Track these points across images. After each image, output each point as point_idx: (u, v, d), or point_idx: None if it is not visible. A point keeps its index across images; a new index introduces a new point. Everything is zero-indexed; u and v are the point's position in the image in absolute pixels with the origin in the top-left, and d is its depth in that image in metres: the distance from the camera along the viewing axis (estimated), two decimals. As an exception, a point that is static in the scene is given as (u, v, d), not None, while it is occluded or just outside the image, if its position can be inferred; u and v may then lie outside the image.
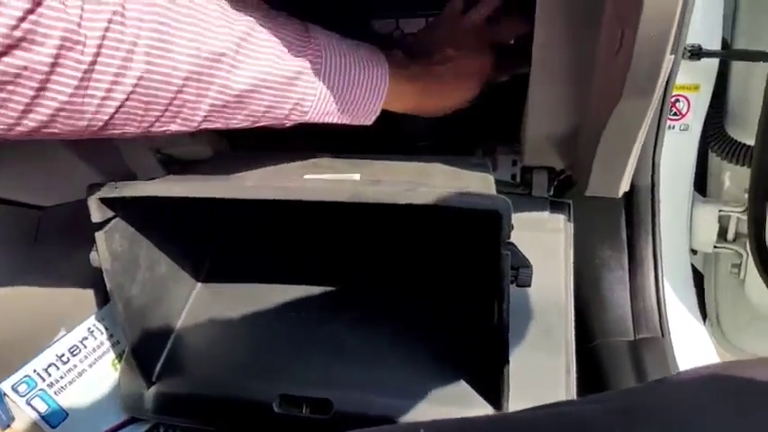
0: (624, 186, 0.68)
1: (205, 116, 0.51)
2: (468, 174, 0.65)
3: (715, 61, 0.94)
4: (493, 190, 0.60)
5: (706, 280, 1.15)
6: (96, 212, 0.59)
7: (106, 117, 0.46)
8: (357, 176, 0.64)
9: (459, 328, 0.70)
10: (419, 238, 0.79)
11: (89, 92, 0.43)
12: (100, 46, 0.42)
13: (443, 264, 0.77)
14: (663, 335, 0.89)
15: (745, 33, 0.90)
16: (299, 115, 0.57)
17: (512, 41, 0.77)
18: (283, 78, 0.53)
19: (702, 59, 0.93)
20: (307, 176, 0.65)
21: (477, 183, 0.62)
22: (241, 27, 0.49)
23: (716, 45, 0.95)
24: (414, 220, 0.78)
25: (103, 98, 0.44)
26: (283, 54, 0.52)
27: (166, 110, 0.48)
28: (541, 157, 0.73)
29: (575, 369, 0.68)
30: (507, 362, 0.59)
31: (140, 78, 0.45)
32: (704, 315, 1.13)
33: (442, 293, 0.74)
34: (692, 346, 0.94)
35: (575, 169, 0.74)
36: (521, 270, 0.53)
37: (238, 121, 0.54)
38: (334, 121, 0.61)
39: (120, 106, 0.46)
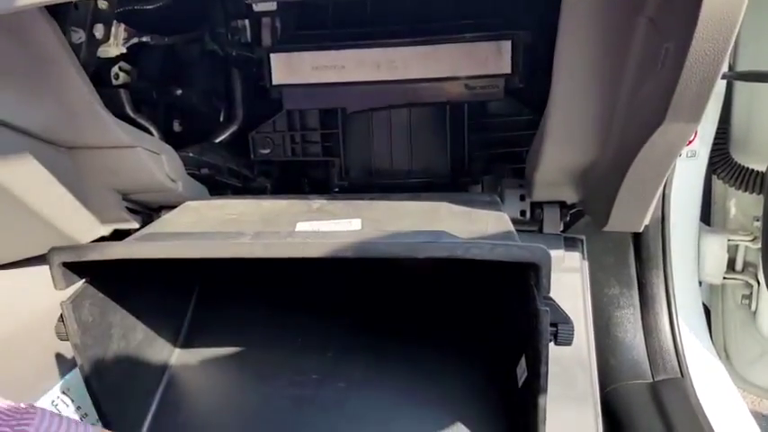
0: (647, 220, 0.63)
1: None
2: (481, 214, 0.59)
3: (722, 84, 0.90)
4: (512, 231, 0.55)
5: (713, 313, 1.10)
6: (60, 279, 0.51)
7: None
8: (358, 223, 0.58)
9: (475, 389, 0.63)
10: (427, 288, 0.73)
11: None
12: None
13: (457, 317, 0.70)
14: (682, 375, 0.84)
15: (747, 56, 0.87)
16: None
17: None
18: None
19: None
20: (300, 225, 0.58)
21: (494, 224, 0.56)
22: None
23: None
24: (421, 270, 0.71)
25: None
26: None
27: None
28: (553, 191, 0.68)
29: (600, 416, 0.64)
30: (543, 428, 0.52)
31: None
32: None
33: (454, 349, 0.67)
34: (711, 384, 0.88)
35: (588, 203, 0.69)
36: (560, 327, 0.46)
37: None
38: None
39: None
